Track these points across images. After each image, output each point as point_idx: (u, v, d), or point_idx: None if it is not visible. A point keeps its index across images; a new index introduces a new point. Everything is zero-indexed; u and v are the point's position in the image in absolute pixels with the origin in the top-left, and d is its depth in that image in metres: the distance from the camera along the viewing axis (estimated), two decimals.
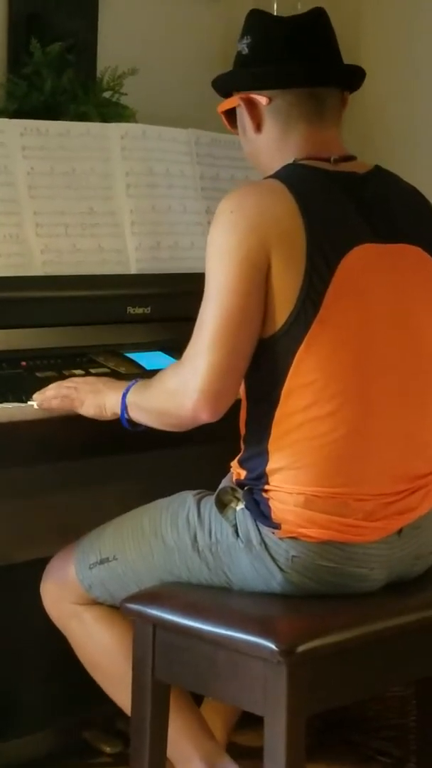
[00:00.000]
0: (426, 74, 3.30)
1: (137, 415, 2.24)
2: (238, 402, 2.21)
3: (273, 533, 2.14)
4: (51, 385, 2.36)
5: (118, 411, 2.26)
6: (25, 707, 2.71)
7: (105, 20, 3.10)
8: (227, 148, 2.94)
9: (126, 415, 2.25)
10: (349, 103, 2.31)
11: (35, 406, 2.32)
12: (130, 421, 2.26)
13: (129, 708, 2.30)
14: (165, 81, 3.20)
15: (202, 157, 2.90)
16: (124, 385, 2.29)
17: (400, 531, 2.20)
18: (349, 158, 2.25)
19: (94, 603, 2.39)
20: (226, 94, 2.33)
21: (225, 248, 2.10)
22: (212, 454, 2.33)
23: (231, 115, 2.34)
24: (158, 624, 2.20)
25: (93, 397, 2.30)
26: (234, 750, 2.65)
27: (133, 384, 2.27)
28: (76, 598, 2.38)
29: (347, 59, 2.30)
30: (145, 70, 3.05)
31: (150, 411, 2.22)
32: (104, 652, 2.39)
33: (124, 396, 2.25)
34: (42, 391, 2.34)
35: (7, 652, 2.69)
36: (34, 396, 2.33)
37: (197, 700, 2.59)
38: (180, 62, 3.27)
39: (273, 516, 2.14)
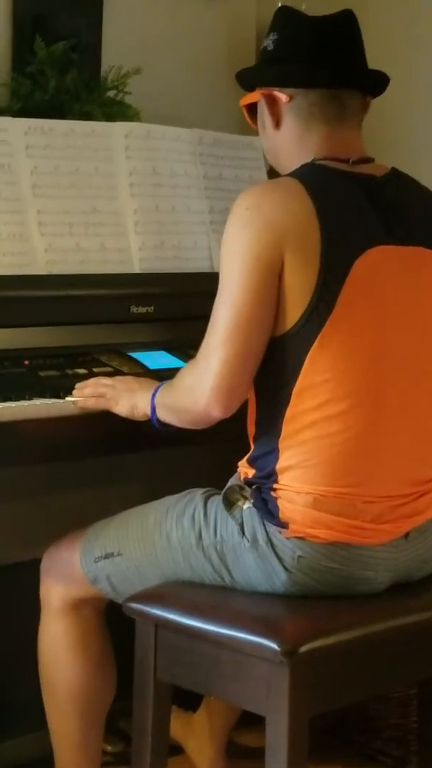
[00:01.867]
0: (426, 74, 3.29)
1: (164, 415, 2.25)
2: (244, 403, 2.21)
3: (280, 532, 2.14)
4: (89, 381, 2.37)
5: (149, 412, 2.26)
6: (25, 706, 2.71)
7: (109, 20, 3.10)
8: (231, 148, 2.94)
9: (156, 416, 2.26)
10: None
11: (73, 405, 2.33)
12: (161, 422, 2.26)
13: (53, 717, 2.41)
14: (169, 80, 3.20)
15: (206, 157, 2.89)
16: (156, 385, 2.29)
17: (407, 534, 2.20)
18: (368, 160, 2.25)
19: (84, 610, 2.38)
20: (250, 88, 2.32)
21: (239, 246, 2.10)
22: (217, 455, 2.33)
23: (252, 109, 2.33)
24: (160, 624, 2.20)
25: (127, 397, 2.31)
26: (235, 750, 2.65)
27: (162, 384, 2.27)
28: (79, 591, 2.36)
29: None
30: (149, 70, 3.05)
31: (172, 409, 2.23)
32: (66, 666, 2.40)
33: (153, 396, 2.26)
34: (81, 386, 2.36)
35: (6, 652, 2.69)
36: (74, 393, 2.35)
37: (197, 699, 2.59)
38: (184, 62, 3.26)
39: (281, 515, 2.14)
